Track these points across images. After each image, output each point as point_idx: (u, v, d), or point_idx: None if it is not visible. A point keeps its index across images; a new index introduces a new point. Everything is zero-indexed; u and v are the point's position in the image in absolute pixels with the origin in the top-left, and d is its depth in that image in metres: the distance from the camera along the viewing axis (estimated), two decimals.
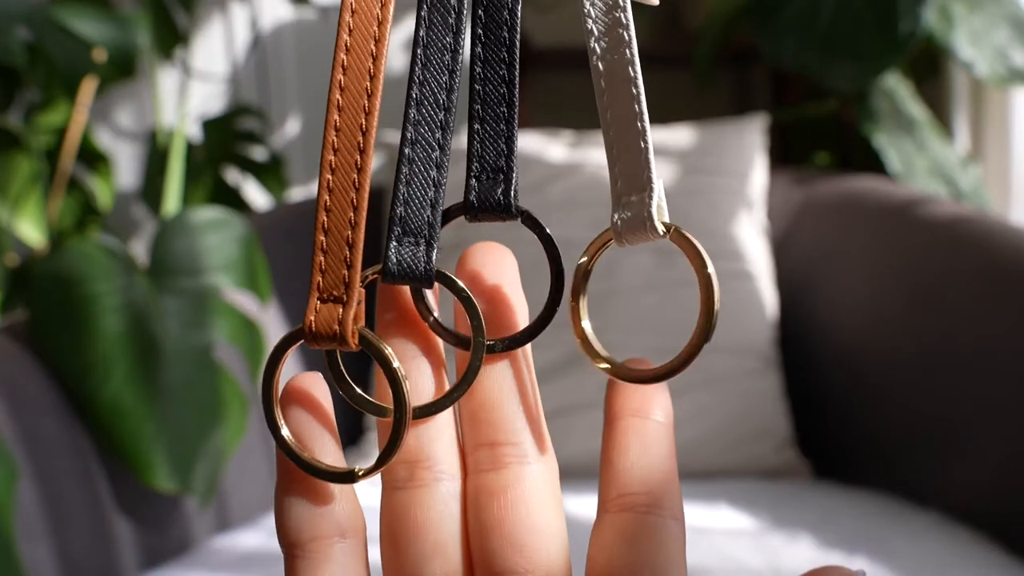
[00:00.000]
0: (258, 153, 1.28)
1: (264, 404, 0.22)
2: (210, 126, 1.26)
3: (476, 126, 0.24)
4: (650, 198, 0.23)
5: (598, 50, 0.24)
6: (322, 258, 0.21)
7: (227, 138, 1.25)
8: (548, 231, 0.24)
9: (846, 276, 1.00)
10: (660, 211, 0.23)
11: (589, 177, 1.04)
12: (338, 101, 0.22)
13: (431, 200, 0.22)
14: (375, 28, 0.22)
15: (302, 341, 0.22)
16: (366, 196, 0.22)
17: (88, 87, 1.06)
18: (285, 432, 0.22)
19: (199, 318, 0.83)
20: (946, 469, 0.85)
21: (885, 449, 0.93)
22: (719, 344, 0.99)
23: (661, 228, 0.23)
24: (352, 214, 0.21)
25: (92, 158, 1.17)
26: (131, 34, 1.02)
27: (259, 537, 0.84)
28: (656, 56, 1.52)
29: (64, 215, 1.14)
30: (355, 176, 0.22)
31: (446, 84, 0.23)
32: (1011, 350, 0.81)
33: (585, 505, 0.86)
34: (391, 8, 0.23)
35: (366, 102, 0.22)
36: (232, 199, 1.25)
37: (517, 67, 0.24)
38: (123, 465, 0.77)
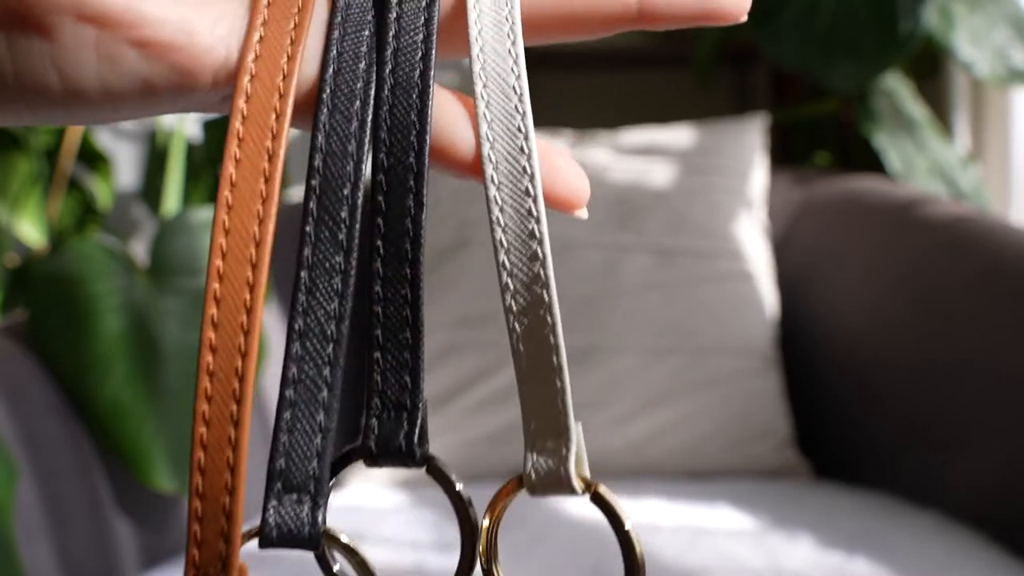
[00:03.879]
0: None
1: None
2: (210, 126, 1.26)
3: (376, 355, 0.20)
4: (567, 449, 0.20)
5: (514, 307, 0.20)
6: (197, 528, 0.18)
7: None
8: (456, 485, 0.21)
9: (846, 276, 1.00)
10: (579, 463, 0.20)
11: (589, 178, 1.04)
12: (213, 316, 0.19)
13: (317, 449, 0.19)
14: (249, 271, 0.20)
15: None
16: (243, 460, 0.18)
17: None
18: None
19: (199, 318, 0.83)
20: (946, 469, 0.85)
21: (885, 449, 0.93)
22: (719, 344, 0.99)
23: (580, 485, 0.20)
24: (229, 477, 0.18)
25: (92, 158, 1.17)
26: None
27: None
28: (656, 56, 1.52)
29: (64, 215, 1.14)
30: (232, 431, 0.18)
31: (335, 312, 0.20)
32: (1011, 349, 0.81)
33: (584, 505, 0.86)
34: (270, 227, 0.20)
35: (244, 318, 0.19)
36: None
37: (422, 286, 0.20)
38: (123, 465, 0.77)
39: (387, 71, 0.21)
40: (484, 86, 0.22)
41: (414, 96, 0.21)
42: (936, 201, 0.98)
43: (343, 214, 0.20)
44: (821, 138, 1.36)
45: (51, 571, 0.72)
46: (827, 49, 1.11)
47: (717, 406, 0.96)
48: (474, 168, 0.22)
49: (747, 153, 1.08)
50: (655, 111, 1.24)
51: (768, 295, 1.02)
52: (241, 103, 0.20)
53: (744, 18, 0.23)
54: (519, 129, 0.22)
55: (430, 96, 0.21)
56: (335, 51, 0.21)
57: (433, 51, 0.22)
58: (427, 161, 0.21)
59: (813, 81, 1.17)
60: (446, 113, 0.22)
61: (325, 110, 0.21)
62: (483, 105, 0.22)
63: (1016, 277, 0.83)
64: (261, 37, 0.21)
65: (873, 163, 1.15)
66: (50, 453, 0.74)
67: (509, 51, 0.22)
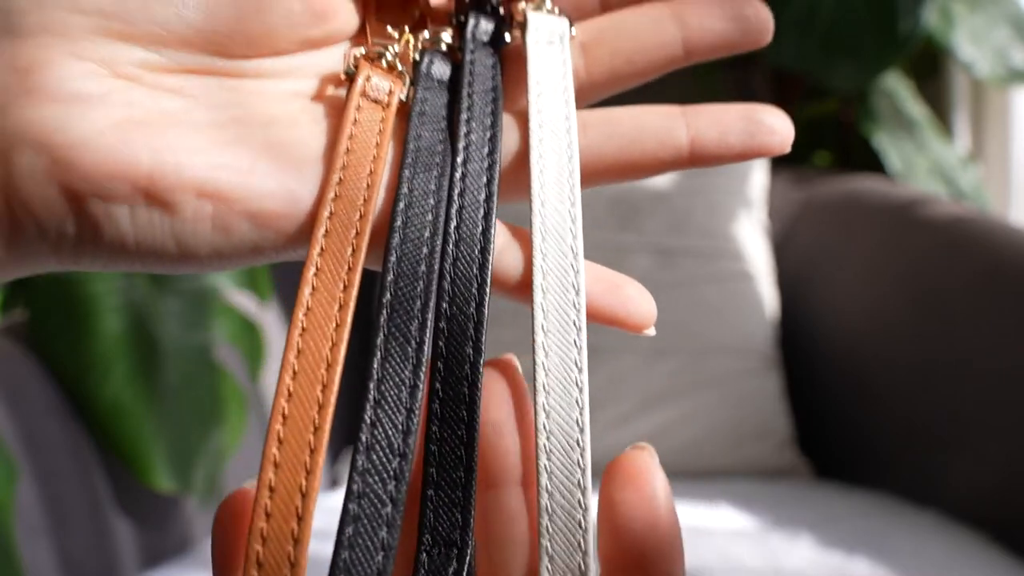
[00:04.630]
0: None
1: None
2: None
3: (430, 492, 0.21)
4: None
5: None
6: None
7: None
8: None
9: (846, 276, 1.00)
10: None
11: None
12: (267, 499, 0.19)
13: (378, 567, 0.18)
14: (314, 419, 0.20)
15: None
16: None
17: None
18: None
19: (199, 318, 0.83)
20: (946, 469, 0.85)
21: (885, 449, 0.93)
22: (719, 344, 0.99)
23: None
24: None
25: None
26: None
27: None
28: None
29: None
30: None
31: (402, 425, 0.20)
32: (1011, 349, 0.81)
33: None
34: (339, 357, 0.20)
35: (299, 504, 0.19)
36: None
37: (478, 428, 0.21)
38: (123, 465, 0.77)
39: (452, 226, 0.23)
40: (543, 238, 0.24)
41: (476, 251, 0.23)
42: (936, 201, 0.98)
43: (413, 329, 0.21)
44: (821, 138, 1.36)
45: (51, 571, 0.72)
46: (827, 49, 1.11)
47: (717, 406, 0.96)
48: (517, 291, 0.24)
49: None
50: None
51: (768, 295, 1.02)
52: (315, 255, 0.22)
53: (788, 149, 0.26)
54: (573, 286, 0.23)
55: (491, 252, 0.23)
56: (407, 188, 0.23)
57: (494, 210, 0.23)
58: (487, 312, 0.22)
59: (813, 81, 1.17)
60: (497, 246, 0.24)
61: (397, 236, 0.22)
62: (540, 256, 0.23)
63: (1016, 277, 0.83)
64: (332, 212, 0.22)
65: (873, 163, 1.15)
66: (50, 453, 0.74)
67: (568, 212, 0.24)
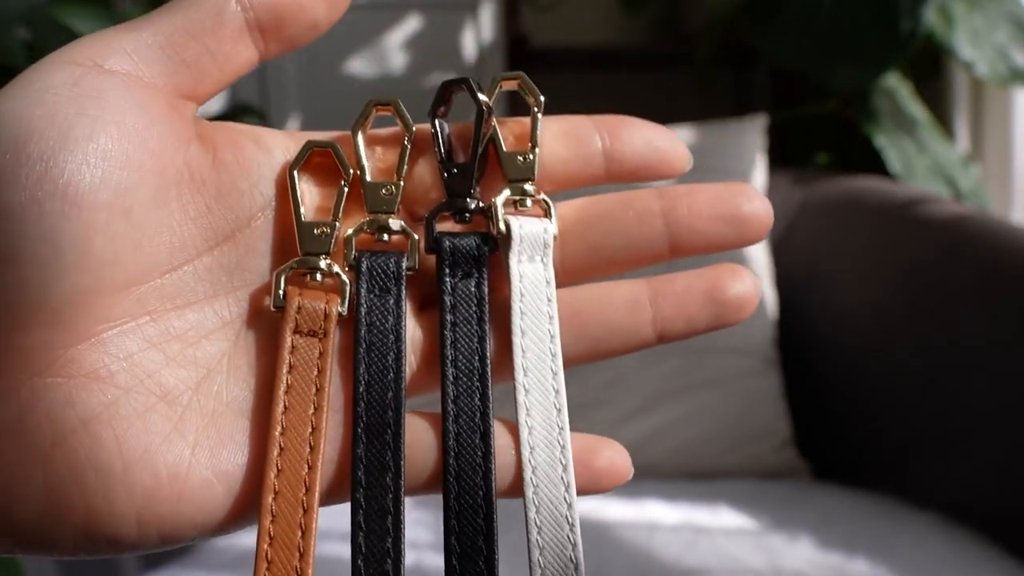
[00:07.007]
0: None
1: None
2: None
3: None
4: None
5: None
6: None
7: None
8: None
9: (846, 276, 1.00)
10: None
11: None
12: None
13: None
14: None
15: None
16: None
17: None
18: None
19: None
20: (946, 469, 0.85)
21: (885, 449, 0.93)
22: (719, 344, 0.99)
23: None
24: None
25: None
26: None
27: None
28: (656, 56, 1.52)
29: None
30: None
31: None
32: (1011, 349, 0.81)
33: (584, 506, 0.86)
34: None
35: None
36: None
37: None
38: None
39: (452, 521, 0.24)
40: (532, 471, 0.24)
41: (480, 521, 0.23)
42: (936, 201, 0.98)
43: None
44: (821, 138, 1.36)
45: (51, 571, 0.72)
46: (827, 49, 1.11)
47: (717, 406, 0.96)
48: (507, 494, 0.24)
49: (747, 153, 1.07)
50: (655, 111, 1.24)
51: (768, 295, 1.02)
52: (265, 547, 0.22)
53: (751, 313, 0.26)
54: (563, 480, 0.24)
55: (495, 532, 0.23)
56: (362, 492, 0.23)
57: (494, 504, 0.23)
58: None
59: (813, 81, 1.17)
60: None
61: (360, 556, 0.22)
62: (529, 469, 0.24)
63: (1016, 277, 0.83)
64: (276, 491, 0.22)
65: (873, 163, 1.15)
66: None
67: (560, 473, 0.24)
